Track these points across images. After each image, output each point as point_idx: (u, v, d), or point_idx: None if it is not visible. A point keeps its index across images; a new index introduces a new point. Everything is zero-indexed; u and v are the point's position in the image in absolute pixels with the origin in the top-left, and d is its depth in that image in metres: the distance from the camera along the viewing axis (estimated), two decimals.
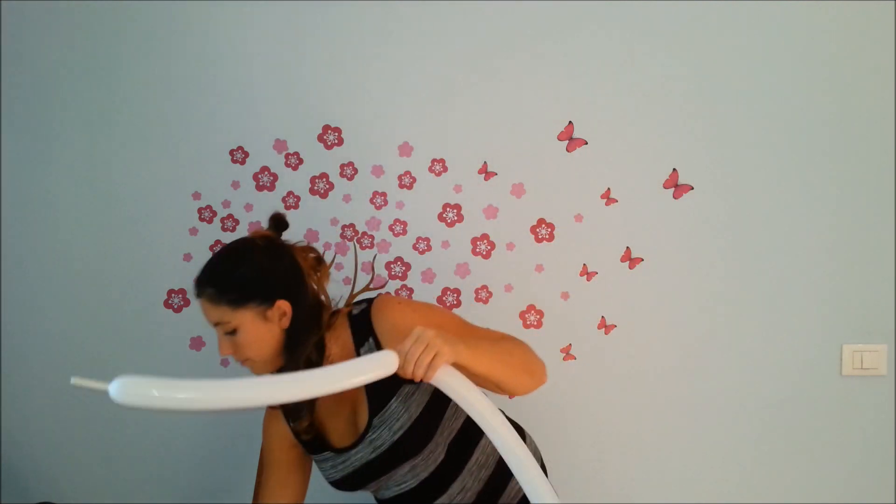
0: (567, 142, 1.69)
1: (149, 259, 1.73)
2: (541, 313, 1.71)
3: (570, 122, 1.68)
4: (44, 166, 1.73)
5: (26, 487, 1.77)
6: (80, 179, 1.73)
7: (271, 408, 1.35)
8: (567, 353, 1.72)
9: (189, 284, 1.70)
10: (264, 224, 1.70)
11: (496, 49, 1.67)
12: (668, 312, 1.70)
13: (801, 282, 1.69)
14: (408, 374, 1.04)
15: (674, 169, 1.68)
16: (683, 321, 1.70)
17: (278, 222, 1.31)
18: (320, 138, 1.70)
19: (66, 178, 1.73)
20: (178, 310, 1.74)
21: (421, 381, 1.05)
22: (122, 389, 0.98)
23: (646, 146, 1.68)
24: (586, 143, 1.68)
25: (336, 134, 1.70)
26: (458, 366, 1.08)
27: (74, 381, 0.99)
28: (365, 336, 1.24)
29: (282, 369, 1.25)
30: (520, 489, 1.29)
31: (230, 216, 1.72)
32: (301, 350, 1.22)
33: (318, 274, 1.30)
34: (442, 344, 1.04)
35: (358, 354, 1.22)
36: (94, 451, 1.77)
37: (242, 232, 1.72)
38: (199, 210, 1.72)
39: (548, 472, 1.70)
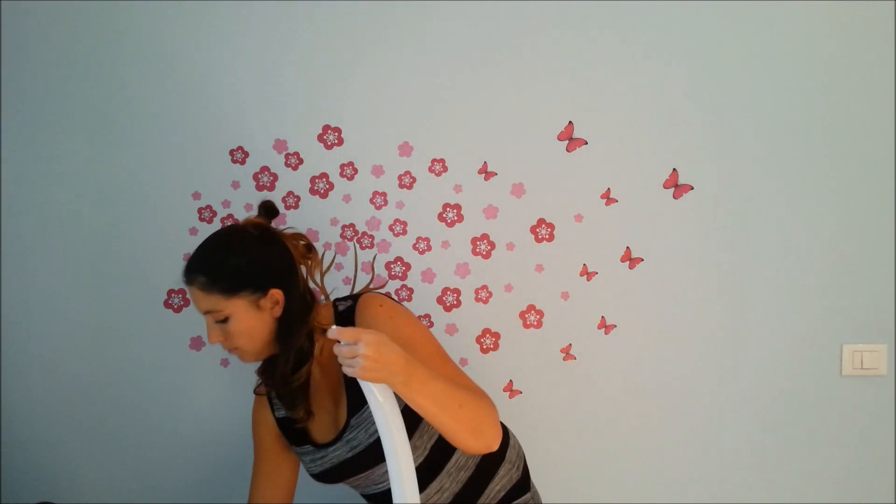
0: (567, 142, 1.69)
1: (149, 259, 1.73)
2: (541, 313, 1.71)
3: (570, 122, 1.68)
4: (44, 166, 1.73)
5: (26, 487, 1.76)
6: (80, 179, 1.73)
7: (259, 395, 1.36)
8: (567, 353, 1.72)
9: None
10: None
11: (496, 49, 1.67)
12: (668, 312, 1.70)
13: (801, 282, 1.68)
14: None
15: (674, 169, 1.68)
16: (683, 321, 1.70)
17: (269, 209, 1.30)
18: (320, 138, 1.70)
19: (66, 177, 1.73)
20: (178, 310, 1.74)
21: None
22: None
23: (646, 146, 1.68)
24: (586, 143, 1.68)
25: (336, 134, 1.70)
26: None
27: None
28: None
29: (273, 359, 1.25)
30: (499, 492, 1.30)
31: (230, 216, 1.72)
32: (294, 339, 1.23)
33: (310, 262, 1.30)
34: (372, 363, 1.00)
35: None
36: (94, 451, 1.77)
37: None
38: (199, 210, 1.72)
39: (547, 472, 1.71)
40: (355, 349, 1.00)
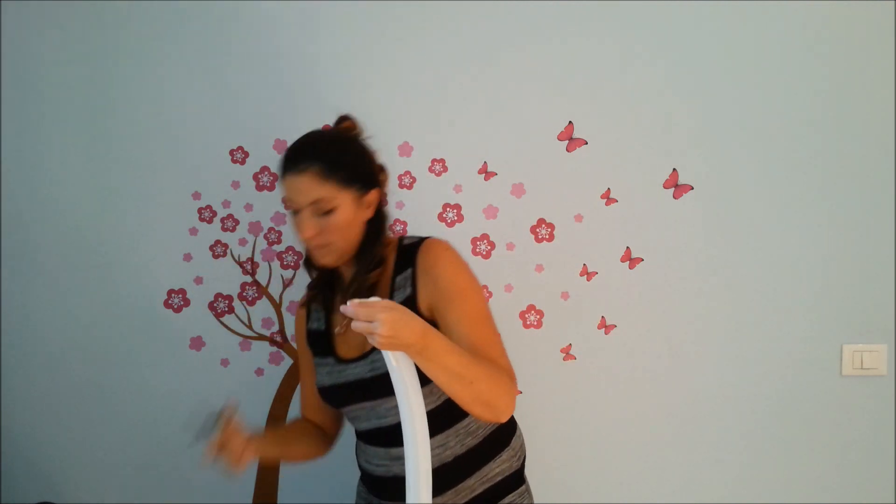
0: (567, 142, 1.69)
1: (149, 259, 1.73)
2: (541, 313, 1.71)
3: (570, 122, 1.68)
4: (44, 166, 1.73)
5: (26, 487, 1.77)
6: (80, 179, 1.73)
7: (301, 305, 1.40)
8: (567, 353, 1.72)
9: (189, 284, 1.72)
10: (265, 224, 1.72)
11: (496, 49, 1.67)
12: (668, 312, 1.70)
13: (801, 282, 1.68)
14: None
15: (674, 169, 1.68)
16: (683, 321, 1.70)
17: (354, 121, 1.35)
18: None
19: (66, 178, 1.73)
20: (178, 310, 1.74)
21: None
22: None
23: (646, 146, 1.68)
24: (586, 143, 1.68)
25: None
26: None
27: None
28: (405, 266, 1.25)
29: (331, 271, 1.29)
30: (496, 476, 1.29)
31: (230, 216, 1.72)
32: (380, 241, 1.27)
33: (383, 178, 1.33)
34: (388, 340, 0.99)
35: (393, 281, 1.25)
36: (95, 451, 1.77)
37: (243, 232, 1.72)
38: (199, 210, 1.72)
39: (547, 471, 1.71)
40: (371, 327, 1.00)
